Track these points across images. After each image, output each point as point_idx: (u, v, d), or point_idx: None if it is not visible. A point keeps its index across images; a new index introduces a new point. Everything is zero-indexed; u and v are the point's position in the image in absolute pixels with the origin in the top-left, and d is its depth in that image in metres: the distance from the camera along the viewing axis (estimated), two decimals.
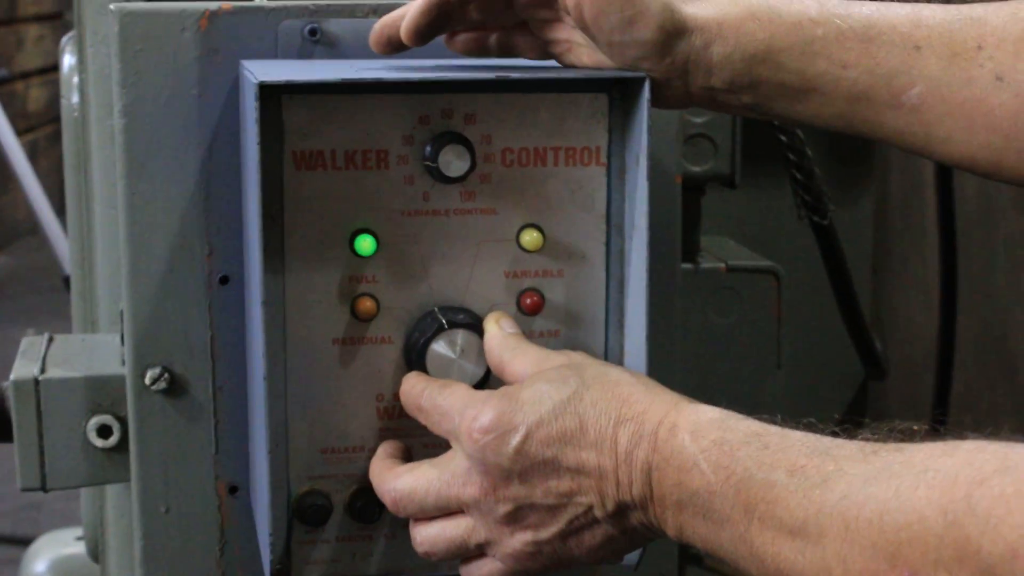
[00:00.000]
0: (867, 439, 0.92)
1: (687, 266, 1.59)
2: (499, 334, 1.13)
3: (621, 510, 1.02)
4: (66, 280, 4.18)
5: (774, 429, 0.96)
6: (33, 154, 4.58)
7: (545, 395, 1.03)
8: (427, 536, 1.09)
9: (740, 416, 0.99)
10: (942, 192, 2.20)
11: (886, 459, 0.87)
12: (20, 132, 4.52)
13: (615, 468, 1.00)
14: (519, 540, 1.05)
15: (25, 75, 6.80)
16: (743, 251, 1.71)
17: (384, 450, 1.15)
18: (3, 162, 6.02)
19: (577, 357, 1.09)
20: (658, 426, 1.00)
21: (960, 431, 0.91)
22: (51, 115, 7.31)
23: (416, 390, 1.12)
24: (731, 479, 0.94)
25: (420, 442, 1.16)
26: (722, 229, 1.80)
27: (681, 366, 1.33)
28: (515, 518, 1.04)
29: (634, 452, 1.00)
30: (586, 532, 1.04)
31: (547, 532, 1.04)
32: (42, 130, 7.12)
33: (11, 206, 6.73)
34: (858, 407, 2.08)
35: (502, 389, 1.06)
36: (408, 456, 1.15)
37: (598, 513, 1.02)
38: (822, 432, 0.94)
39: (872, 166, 2.12)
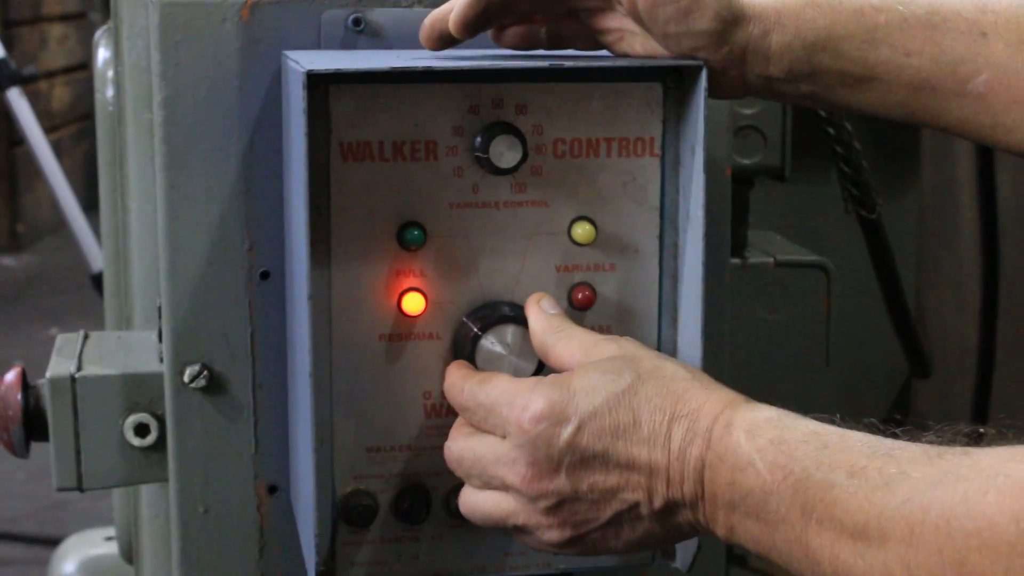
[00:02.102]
0: (931, 442, 0.90)
1: (735, 261, 1.57)
2: (542, 316, 1.10)
3: (669, 508, 1.00)
4: (94, 278, 4.19)
5: (833, 429, 0.94)
6: (57, 153, 4.57)
7: (599, 386, 1.01)
8: (469, 503, 1.08)
9: (797, 415, 0.96)
10: (984, 190, 2.17)
11: (952, 462, 0.85)
12: (44, 131, 4.51)
13: (667, 465, 0.98)
14: (557, 531, 1.03)
15: (49, 74, 6.81)
16: (790, 246, 1.69)
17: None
18: (28, 160, 6.04)
19: (629, 347, 1.06)
20: (713, 423, 0.97)
21: (1008, 436, 0.89)
22: (75, 114, 7.33)
23: (455, 388, 1.10)
24: (788, 479, 0.92)
25: None
26: (766, 223, 1.78)
27: (729, 362, 1.31)
28: (557, 511, 1.02)
29: (687, 449, 0.98)
30: (626, 527, 1.02)
31: (587, 527, 1.02)
32: (66, 129, 7.14)
33: (34, 205, 6.74)
34: (902, 405, 2.06)
35: (551, 377, 1.04)
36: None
37: (644, 510, 1.00)
38: (883, 433, 0.92)
39: (918, 160, 2.09)
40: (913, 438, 0.91)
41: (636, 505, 1.00)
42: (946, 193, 2.96)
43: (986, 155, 2.16)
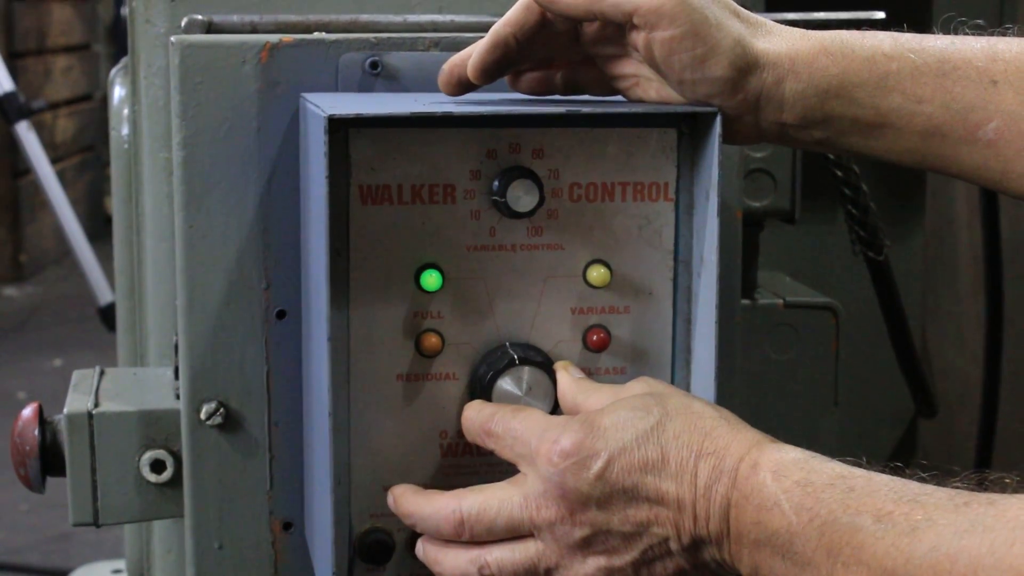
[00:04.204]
0: (956, 487, 0.90)
1: (745, 302, 1.58)
2: (570, 379, 1.12)
3: (695, 544, 1.00)
4: (101, 311, 4.20)
5: (859, 472, 0.94)
6: (60, 184, 4.59)
7: (627, 422, 1.02)
8: (495, 559, 1.07)
9: (823, 457, 0.97)
10: (988, 229, 2.18)
11: (978, 511, 0.86)
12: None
13: (693, 501, 0.99)
14: (592, 565, 1.04)
15: (53, 105, 6.82)
16: (799, 287, 1.70)
17: (407, 487, 1.13)
18: (32, 191, 6.05)
19: (658, 386, 1.08)
20: (739, 462, 0.98)
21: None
22: (78, 145, 7.35)
23: (484, 414, 1.10)
24: (814, 521, 0.93)
25: (484, 480, 1.14)
26: (776, 264, 1.79)
27: (739, 403, 1.32)
28: (590, 543, 1.03)
29: (713, 487, 0.99)
30: (658, 563, 1.03)
31: (621, 560, 1.03)
32: (69, 160, 7.15)
33: (37, 235, 6.75)
34: (908, 444, 2.07)
35: (582, 415, 1.05)
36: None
37: (673, 545, 1.01)
38: (908, 477, 0.93)
39: (924, 202, 2.10)
40: (939, 482, 0.92)
41: (666, 540, 1.01)
42: (945, 231, 2.97)
43: (990, 194, 2.17)
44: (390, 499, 1.13)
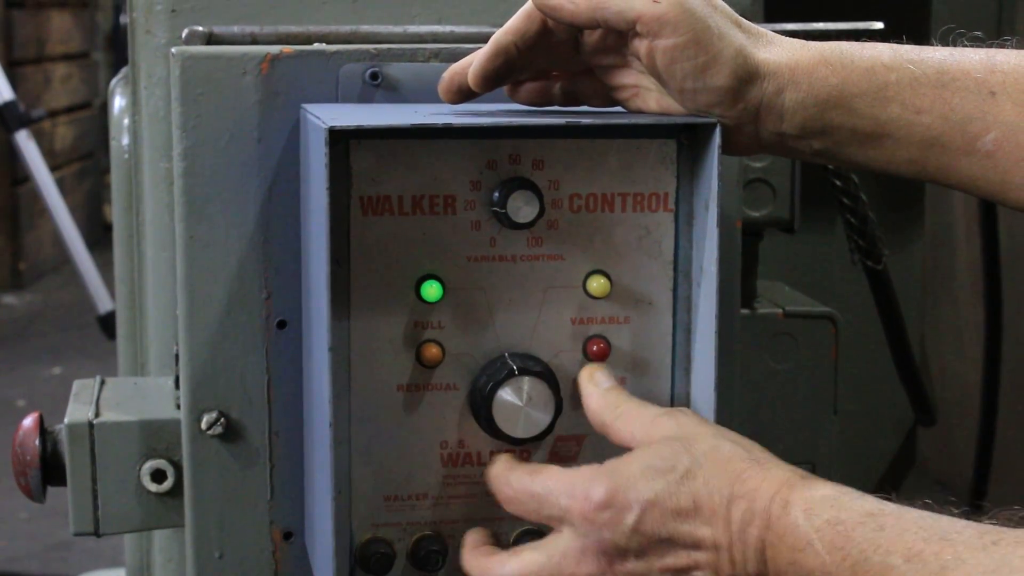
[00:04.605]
0: (986, 523, 0.91)
1: (744, 311, 1.58)
2: (597, 392, 1.11)
3: None
4: (101, 320, 4.20)
5: (890, 508, 0.95)
6: (60, 192, 4.59)
7: (657, 473, 1.02)
8: None
9: (854, 492, 0.98)
10: (986, 238, 2.18)
11: (1006, 552, 0.87)
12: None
13: (729, 545, 1.00)
14: None
15: (52, 113, 6.82)
16: (798, 296, 1.70)
17: (472, 539, 1.13)
18: (31, 199, 6.05)
19: (688, 424, 1.06)
20: (771, 503, 0.98)
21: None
22: (77, 153, 7.35)
23: (500, 479, 1.10)
24: (847, 560, 0.94)
25: (484, 490, 1.14)
26: (775, 273, 1.79)
27: (739, 412, 1.32)
28: None
29: (747, 530, 0.99)
30: None
31: None
32: (68, 168, 7.15)
33: (36, 243, 6.75)
34: (908, 453, 2.07)
35: (607, 464, 1.04)
36: (496, 542, 1.13)
37: None
38: (939, 512, 0.93)
39: (923, 211, 2.11)
40: (969, 517, 0.93)
41: None
42: (943, 239, 2.97)
43: (988, 203, 2.18)
44: None
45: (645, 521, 1.01)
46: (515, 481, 1.08)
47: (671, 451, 1.03)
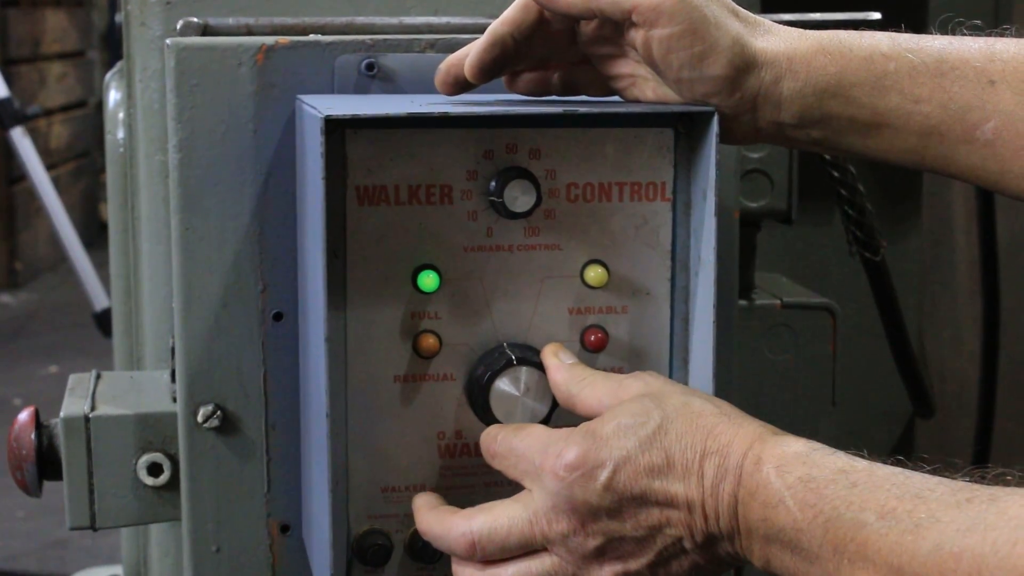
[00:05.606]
0: (957, 479, 0.91)
1: (742, 303, 1.58)
2: (562, 367, 1.11)
3: (709, 541, 1.01)
4: (97, 317, 4.20)
5: (861, 465, 0.95)
6: (55, 190, 4.59)
7: (629, 429, 1.02)
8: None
9: (826, 449, 0.98)
10: (984, 232, 2.18)
11: (980, 508, 0.86)
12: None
13: (702, 501, 1.00)
14: (608, 572, 1.04)
15: (48, 112, 6.82)
16: (796, 287, 1.70)
17: (426, 500, 1.13)
18: (26, 198, 6.04)
19: (654, 383, 1.07)
20: (743, 459, 0.99)
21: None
22: (73, 152, 7.34)
23: (489, 436, 1.10)
24: (818, 518, 0.93)
25: (482, 481, 1.14)
26: (772, 265, 1.79)
27: (736, 403, 1.32)
28: (604, 551, 1.03)
29: (720, 485, 0.99)
30: (674, 561, 1.03)
31: (636, 563, 1.03)
32: (64, 167, 7.14)
33: (32, 242, 6.75)
34: (905, 445, 2.07)
35: (582, 426, 1.04)
36: (446, 503, 1.13)
37: (687, 544, 1.02)
38: (911, 468, 0.93)
39: (920, 203, 2.11)
40: (939, 474, 0.92)
41: (679, 540, 1.02)
42: (942, 232, 2.97)
43: (986, 197, 2.17)
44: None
45: (618, 479, 1.01)
46: (500, 438, 1.09)
47: (642, 407, 1.03)
